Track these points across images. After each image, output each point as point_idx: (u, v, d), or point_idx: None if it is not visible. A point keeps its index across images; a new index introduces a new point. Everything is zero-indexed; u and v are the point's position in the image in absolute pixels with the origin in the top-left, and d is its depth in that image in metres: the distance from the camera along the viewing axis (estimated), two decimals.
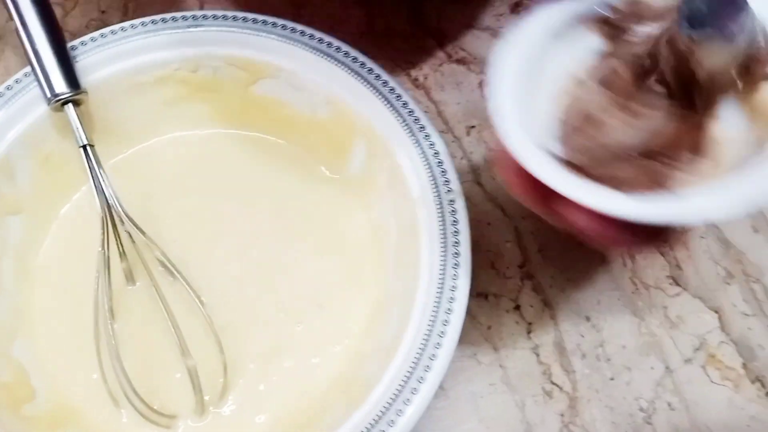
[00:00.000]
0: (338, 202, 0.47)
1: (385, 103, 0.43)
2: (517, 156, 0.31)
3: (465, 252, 0.39)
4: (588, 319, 0.46)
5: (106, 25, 0.47)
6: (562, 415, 0.44)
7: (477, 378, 0.44)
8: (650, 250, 0.45)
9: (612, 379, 0.45)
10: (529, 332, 0.46)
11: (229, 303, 0.43)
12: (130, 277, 0.44)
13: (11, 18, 0.43)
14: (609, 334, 0.46)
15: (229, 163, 0.48)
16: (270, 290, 0.44)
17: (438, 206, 0.41)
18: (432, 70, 0.55)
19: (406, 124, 0.43)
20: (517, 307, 0.47)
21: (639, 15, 0.34)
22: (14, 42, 0.55)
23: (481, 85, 0.54)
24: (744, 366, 0.45)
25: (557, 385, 0.44)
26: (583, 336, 0.46)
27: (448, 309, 0.38)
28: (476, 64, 0.55)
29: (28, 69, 0.44)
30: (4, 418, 0.37)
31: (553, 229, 0.47)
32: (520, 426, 0.43)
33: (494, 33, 0.57)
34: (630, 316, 0.46)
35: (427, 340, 0.38)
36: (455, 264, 0.39)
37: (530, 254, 0.48)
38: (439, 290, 0.39)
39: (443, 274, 0.39)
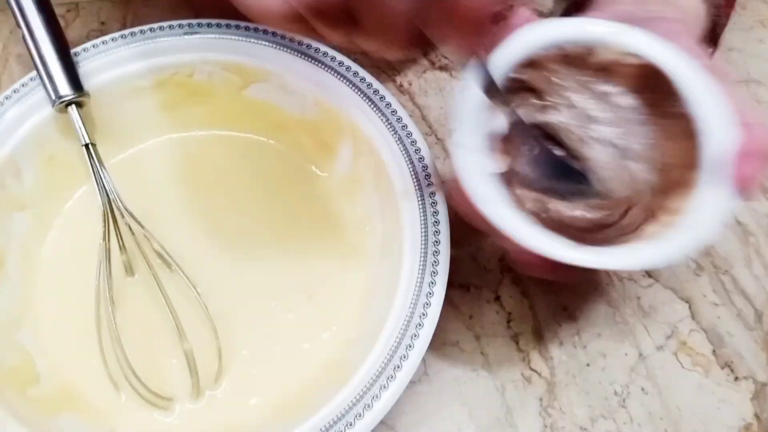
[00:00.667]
0: (327, 199, 0.49)
1: (370, 104, 0.46)
2: (468, 190, 0.34)
3: (444, 240, 0.41)
4: (565, 309, 0.49)
5: (105, 35, 0.49)
6: (540, 399, 0.46)
7: (459, 364, 0.47)
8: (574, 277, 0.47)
9: (588, 365, 0.47)
10: (508, 321, 0.48)
11: (223, 293, 0.45)
12: (129, 269, 0.46)
13: (18, 25, 0.46)
14: (585, 323, 0.48)
15: (224, 162, 0.51)
16: (262, 281, 0.46)
17: (420, 199, 0.43)
18: (416, 77, 0.58)
19: (390, 124, 0.45)
20: (498, 298, 0.49)
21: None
22: (18, 51, 0.58)
23: None
24: (714, 353, 0.47)
25: (536, 371, 0.47)
26: (560, 325, 0.48)
27: (429, 293, 0.40)
28: (458, 71, 0.58)
29: (33, 74, 0.46)
30: (11, 399, 0.39)
31: None
32: (500, 409, 0.45)
33: None
34: (605, 306, 0.49)
35: (407, 324, 0.40)
36: (435, 251, 0.41)
37: None
38: (420, 277, 0.41)
39: (424, 261, 0.41)
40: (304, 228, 0.49)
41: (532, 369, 0.47)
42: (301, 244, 0.48)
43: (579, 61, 0.37)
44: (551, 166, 0.37)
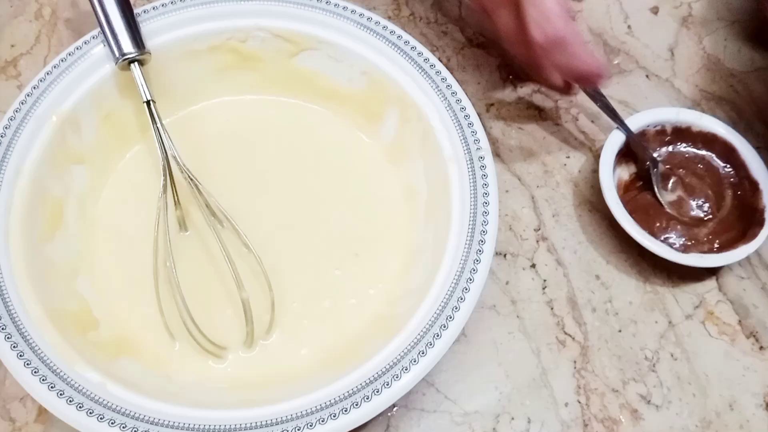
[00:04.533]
0: (372, 164, 0.51)
1: (420, 71, 0.47)
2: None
3: (493, 201, 0.43)
4: (597, 277, 0.50)
5: None
6: (574, 361, 0.47)
7: (496, 327, 0.48)
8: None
9: (620, 331, 0.49)
10: (543, 288, 0.50)
11: (272, 250, 0.46)
12: (182, 225, 0.47)
13: None
14: (617, 291, 0.50)
15: (272, 126, 0.52)
16: (310, 240, 0.48)
17: (469, 163, 0.44)
18: (454, 53, 0.59)
19: (439, 90, 0.47)
20: (533, 266, 0.51)
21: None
22: (66, 16, 0.59)
23: (499, 68, 0.59)
24: (739, 323, 0.49)
25: (570, 335, 0.48)
26: (593, 292, 0.50)
27: (476, 259, 0.42)
28: (494, 48, 0.59)
29: (93, 32, 0.48)
30: (75, 340, 0.40)
31: (566, 196, 0.52)
32: (536, 370, 0.47)
33: None
34: (636, 276, 0.51)
35: (455, 286, 0.41)
36: (485, 212, 0.43)
37: (545, 219, 0.52)
38: (468, 241, 0.42)
39: (473, 222, 0.43)
40: (350, 190, 0.50)
41: (566, 333, 0.48)
42: (347, 205, 0.50)
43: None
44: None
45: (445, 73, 0.47)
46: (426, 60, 0.48)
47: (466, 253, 0.42)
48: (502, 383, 0.47)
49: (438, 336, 0.40)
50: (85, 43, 0.47)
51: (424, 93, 0.47)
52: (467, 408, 0.46)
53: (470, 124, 0.45)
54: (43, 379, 0.37)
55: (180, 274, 0.44)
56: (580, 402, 0.46)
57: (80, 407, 0.36)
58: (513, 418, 0.46)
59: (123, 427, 0.36)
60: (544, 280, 0.50)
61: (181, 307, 0.42)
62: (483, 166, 0.44)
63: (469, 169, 0.44)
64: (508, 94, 0.57)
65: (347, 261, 0.47)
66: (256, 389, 0.42)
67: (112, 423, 0.36)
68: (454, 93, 0.46)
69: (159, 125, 0.45)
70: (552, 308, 0.49)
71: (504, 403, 0.46)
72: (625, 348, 0.48)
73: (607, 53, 0.60)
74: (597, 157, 0.53)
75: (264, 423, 0.36)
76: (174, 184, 0.46)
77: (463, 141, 0.45)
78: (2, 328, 0.38)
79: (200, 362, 0.44)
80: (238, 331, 0.44)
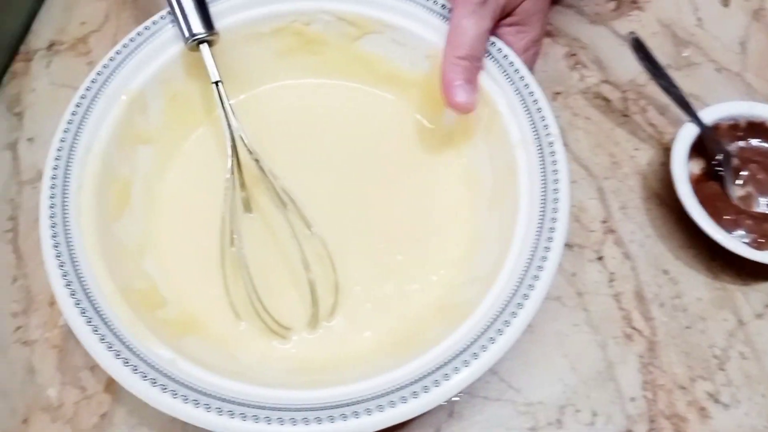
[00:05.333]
0: (434, 149, 0.50)
1: (488, 55, 0.46)
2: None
3: (564, 189, 0.42)
4: (666, 272, 0.49)
5: None
6: (641, 356, 0.46)
7: (562, 318, 0.47)
8: None
9: (688, 327, 0.47)
10: (610, 281, 0.49)
11: (334, 234, 0.46)
12: (247, 206, 0.47)
13: None
14: (685, 287, 0.49)
15: (334, 111, 0.52)
16: (372, 224, 0.48)
17: (538, 149, 0.43)
18: None
19: (506, 74, 0.46)
20: (600, 258, 0.50)
21: None
22: None
23: (566, 56, 0.58)
24: None
25: (637, 330, 0.47)
26: (661, 287, 0.49)
27: (549, 238, 0.40)
28: (561, 37, 0.58)
29: (162, 12, 0.48)
30: (145, 317, 0.40)
31: (634, 189, 0.51)
32: (601, 363, 0.46)
33: (579, 10, 0.60)
34: (705, 272, 0.49)
35: (525, 272, 0.40)
36: (555, 199, 0.42)
37: (612, 211, 0.51)
38: (538, 229, 0.41)
39: (543, 213, 0.41)
40: (411, 175, 0.50)
41: (633, 327, 0.47)
42: (408, 190, 0.49)
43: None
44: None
45: (513, 57, 0.46)
46: (492, 44, 0.47)
47: (536, 241, 0.41)
48: (567, 375, 0.46)
49: (507, 323, 0.39)
50: (154, 23, 0.47)
51: (491, 77, 0.46)
52: (531, 398, 0.45)
53: (539, 110, 0.44)
54: (117, 355, 0.37)
55: (246, 254, 0.43)
56: (646, 397, 0.45)
57: (154, 383, 0.36)
58: (578, 411, 0.45)
59: (196, 403, 0.36)
60: (612, 273, 0.49)
61: (249, 288, 0.42)
62: (552, 152, 0.43)
63: (539, 156, 0.43)
64: (575, 83, 0.56)
65: (409, 246, 0.47)
66: (320, 371, 0.41)
67: (185, 399, 0.36)
68: (522, 77, 0.45)
69: (227, 106, 0.45)
70: (619, 302, 0.48)
71: (569, 394, 0.45)
72: (693, 345, 0.47)
73: (676, 45, 0.58)
74: (665, 150, 0.52)
75: (333, 404, 0.36)
76: (240, 166, 0.46)
77: (532, 127, 0.44)
78: (77, 303, 0.38)
79: (265, 342, 0.43)
80: (302, 313, 0.44)
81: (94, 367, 0.45)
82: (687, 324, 0.47)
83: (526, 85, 0.45)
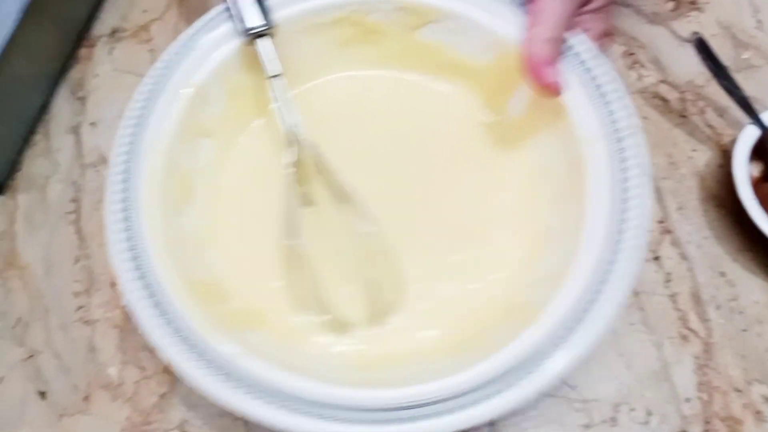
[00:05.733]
0: (497, 143, 0.50)
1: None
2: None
3: (644, 186, 0.41)
4: (723, 274, 0.49)
5: None
6: (696, 357, 0.46)
7: (618, 317, 0.47)
8: None
9: (744, 330, 0.47)
10: (667, 281, 0.49)
11: (394, 229, 0.46)
12: (307, 200, 0.47)
13: None
14: (742, 290, 0.48)
15: (393, 102, 0.52)
16: (431, 221, 0.47)
17: (614, 144, 0.42)
18: None
19: (582, 63, 0.44)
20: (657, 258, 0.49)
21: None
22: None
23: (624, 55, 0.57)
24: None
25: (693, 331, 0.47)
26: (717, 289, 0.48)
27: (625, 239, 0.40)
28: (619, 36, 0.58)
29: (219, 8, 0.48)
30: (210, 309, 0.41)
31: (692, 190, 0.50)
32: (656, 363, 0.46)
33: (637, 10, 0.60)
34: (763, 276, 0.49)
35: (605, 273, 0.39)
36: (630, 197, 0.41)
37: (670, 211, 0.51)
38: (617, 225, 0.40)
39: (623, 209, 0.41)
40: (473, 169, 0.49)
41: (689, 328, 0.47)
42: (469, 185, 0.49)
43: None
44: None
45: (579, 47, 0.45)
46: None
47: (616, 242, 0.40)
48: (622, 373, 0.46)
49: (581, 329, 0.38)
50: (215, 16, 0.47)
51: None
52: (586, 395, 0.45)
53: (608, 103, 0.44)
54: (183, 351, 0.38)
55: (306, 249, 0.44)
56: (701, 399, 0.45)
57: (216, 376, 0.37)
58: (633, 409, 0.45)
59: (254, 397, 0.37)
60: (668, 273, 0.49)
61: (310, 282, 0.42)
62: (622, 149, 0.42)
63: (609, 152, 0.42)
64: (632, 82, 0.56)
65: (470, 244, 0.46)
66: (380, 368, 0.41)
67: (249, 394, 0.37)
68: (588, 69, 0.44)
69: (284, 101, 0.45)
70: (675, 302, 0.48)
71: (624, 393, 0.45)
72: (750, 348, 0.46)
73: (736, 47, 0.58)
74: (724, 151, 0.52)
75: (401, 405, 0.36)
76: (299, 159, 0.46)
77: (602, 120, 0.43)
78: (151, 296, 0.39)
79: (325, 337, 0.44)
80: (361, 309, 0.44)
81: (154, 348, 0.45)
82: (743, 327, 0.47)
83: (593, 77, 0.44)
